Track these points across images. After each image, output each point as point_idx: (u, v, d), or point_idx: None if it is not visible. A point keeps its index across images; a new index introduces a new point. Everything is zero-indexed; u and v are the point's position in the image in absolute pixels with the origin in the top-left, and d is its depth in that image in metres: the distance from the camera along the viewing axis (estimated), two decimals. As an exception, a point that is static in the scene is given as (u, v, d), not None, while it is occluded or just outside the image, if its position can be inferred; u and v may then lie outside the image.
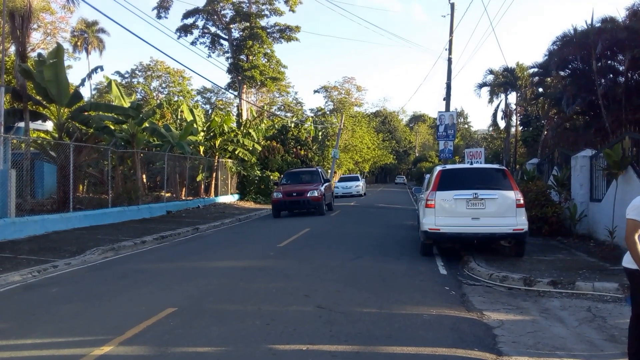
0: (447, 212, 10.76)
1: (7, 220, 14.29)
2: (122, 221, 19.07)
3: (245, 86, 48.84)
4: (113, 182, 21.25)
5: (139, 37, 48.33)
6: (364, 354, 5.42)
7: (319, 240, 14.53)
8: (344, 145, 57.53)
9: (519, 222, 10.39)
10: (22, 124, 19.17)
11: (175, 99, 52.29)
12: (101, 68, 20.51)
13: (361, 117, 73.07)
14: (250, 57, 47.46)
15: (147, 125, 24.49)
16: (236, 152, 31.52)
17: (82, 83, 20.73)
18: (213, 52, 51.00)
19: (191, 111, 31.23)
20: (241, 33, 48.70)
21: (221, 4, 47.64)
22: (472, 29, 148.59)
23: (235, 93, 51.61)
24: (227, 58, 50.16)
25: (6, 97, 18.74)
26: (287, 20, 62.59)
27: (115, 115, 20.98)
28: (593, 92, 20.31)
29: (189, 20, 49.04)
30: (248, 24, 47.50)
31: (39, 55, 20.37)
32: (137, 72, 71.00)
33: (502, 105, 43.70)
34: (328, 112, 73.78)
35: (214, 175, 30.86)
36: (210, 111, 60.91)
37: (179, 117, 33.56)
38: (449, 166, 12.56)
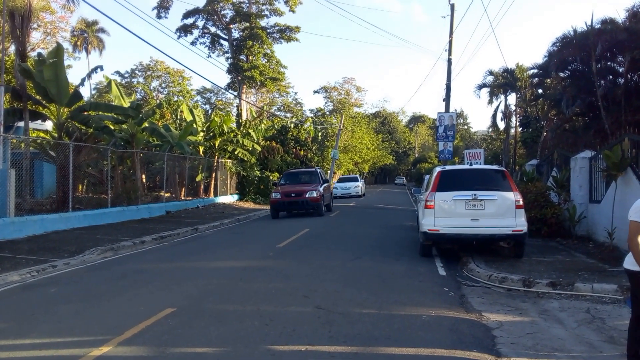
0: (446, 213, 10.76)
1: (7, 219, 14.28)
2: (121, 221, 19.06)
3: (245, 86, 48.85)
4: (112, 182, 21.24)
5: (139, 37, 48.31)
6: (363, 354, 5.42)
7: (318, 241, 14.53)
8: (343, 146, 57.50)
9: (518, 223, 10.39)
10: (21, 124, 19.16)
11: (175, 99, 52.27)
12: (101, 68, 20.52)
13: (361, 117, 73.00)
14: (250, 58, 47.47)
15: (146, 125, 24.50)
16: (236, 153, 31.52)
17: (82, 83, 20.78)
18: (213, 52, 51.07)
19: (191, 111, 31.24)
20: (241, 33, 48.72)
21: (221, 4, 47.66)
22: (472, 30, 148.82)
23: (235, 93, 51.63)
24: (227, 58, 50.20)
25: (6, 97, 18.72)
26: (287, 21, 62.77)
27: (114, 115, 20.98)
28: (593, 93, 20.33)
29: (189, 20, 49.10)
30: (248, 24, 47.53)
31: (39, 54, 20.38)
32: (136, 72, 71.06)
33: (502, 106, 43.76)
34: (328, 113, 73.75)
35: (214, 175, 30.85)
36: (210, 111, 60.93)
37: (178, 117, 33.57)
38: (448, 167, 12.57)
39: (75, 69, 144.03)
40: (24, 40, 18.75)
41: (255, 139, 34.34)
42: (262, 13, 48.64)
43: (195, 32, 49.82)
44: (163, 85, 72.24)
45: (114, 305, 7.62)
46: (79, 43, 58.00)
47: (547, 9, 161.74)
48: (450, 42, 29.10)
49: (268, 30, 48.70)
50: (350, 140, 60.80)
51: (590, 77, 20.25)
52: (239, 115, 42.35)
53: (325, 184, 24.34)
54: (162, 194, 25.30)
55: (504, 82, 41.44)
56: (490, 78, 42.93)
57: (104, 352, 5.52)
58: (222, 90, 63.08)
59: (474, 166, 14.94)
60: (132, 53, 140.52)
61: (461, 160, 33.01)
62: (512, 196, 10.57)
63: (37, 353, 5.61)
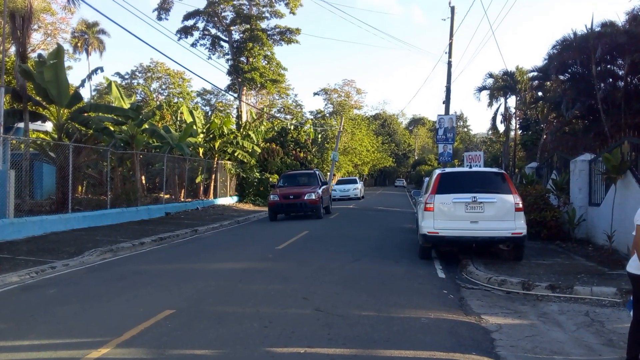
0: (446, 216, 10.76)
1: (6, 220, 14.28)
2: (120, 222, 19.06)
3: (245, 88, 48.85)
4: (112, 184, 21.24)
5: (139, 39, 48.44)
6: (362, 357, 5.42)
7: (318, 243, 14.52)
8: (343, 148, 57.53)
9: (518, 226, 10.39)
10: (21, 125, 19.17)
11: (175, 100, 52.30)
12: (101, 69, 20.55)
13: (361, 119, 73.05)
14: (251, 59, 47.48)
15: (146, 126, 24.51)
16: (235, 154, 31.51)
17: (82, 84, 20.76)
18: (213, 54, 51.04)
19: (191, 113, 31.24)
20: (241, 35, 48.75)
21: (222, 6, 47.68)
22: (472, 32, 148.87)
23: (235, 95, 51.66)
24: (227, 60, 50.19)
25: (6, 98, 18.73)
26: (287, 23, 62.94)
27: (114, 117, 20.99)
28: (592, 96, 20.34)
29: (190, 22, 49.11)
30: (248, 26, 47.56)
31: (39, 56, 20.41)
32: (137, 73, 71.03)
33: (502, 109, 43.71)
34: (328, 115, 73.77)
35: (213, 177, 30.85)
36: (210, 113, 60.83)
37: (178, 118, 33.57)
38: (448, 169, 12.55)
39: (76, 70, 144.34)
40: (24, 42, 18.77)
41: (255, 141, 34.33)
42: (263, 15, 48.68)
43: (196, 34, 49.87)
44: (163, 86, 72.26)
45: (112, 307, 7.62)
46: (79, 44, 58.04)
47: (549, 9, 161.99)
48: (450, 45, 29.14)
49: (268, 32, 48.73)
50: (350, 143, 60.85)
51: (590, 80, 20.27)
52: (239, 117, 42.37)
53: (324, 186, 24.10)
54: (161, 195, 25.29)
55: (503, 84, 41.40)
56: (490, 80, 42.91)
57: (102, 354, 5.52)
58: (222, 92, 63.09)
59: (474, 169, 14.95)
60: (133, 54, 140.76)
61: (461, 163, 33.04)
62: (512, 199, 10.57)
63: (36, 354, 5.61)
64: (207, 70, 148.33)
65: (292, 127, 42.51)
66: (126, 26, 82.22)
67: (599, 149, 14.35)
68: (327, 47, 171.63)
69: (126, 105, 23.58)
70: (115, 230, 16.77)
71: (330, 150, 49.07)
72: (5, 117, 16.76)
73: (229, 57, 50.01)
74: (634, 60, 18.56)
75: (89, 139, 20.33)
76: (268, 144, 37.78)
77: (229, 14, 48.62)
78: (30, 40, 21.88)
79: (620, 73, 21.04)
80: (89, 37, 58.56)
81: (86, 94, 62.77)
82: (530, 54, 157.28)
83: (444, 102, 29.36)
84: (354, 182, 43.56)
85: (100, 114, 20.63)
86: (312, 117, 69.65)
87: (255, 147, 33.46)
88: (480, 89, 43.16)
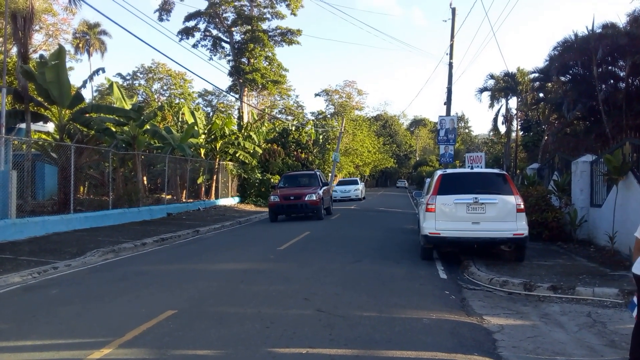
0: (447, 217, 10.76)
1: (8, 221, 14.30)
2: (122, 223, 19.08)
3: (246, 89, 48.92)
4: (114, 184, 21.26)
5: (141, 40, 48.57)
6: (363, 357, 5.42)
7: (319, 244, 14.53)
8: (344, 149, 57.55)
9: (519, 226, 10.39)
10: (23, 125, 19.20)
11: (177, 101, 52.38)
12: (103, 70, 20.62)
13: (362, 120, 73.12)
14: (252, 60, 47.55)
15: (148, 127, 24.54)
16: (237, 155, 31.53)
17: (84, 85, 20.76)
18: (214, 55, 51.14)
19: (192, 114, 31.29)
20: (243, 36, 48.84)
21: (223, 7, 47.77)
22: (473, 33, 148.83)
23: (237, 96, 51.72)
24: (229, 61, 50.29)
25: (8, 99, 18.78)
26: (288, 24, 62.93)
27: (116, 117, 21.02)
28: (594, 97, 20.34)
29: (191, 23, 49.21)
30: (249, 27, 47.64)
31: (41, 56, 20.44)
32: (138, 74, 71.10)
33: (503, 110, 43.76)
34: (329, 116, 73.76)
35: (215, 177, 30.87)
36: (211, 114, 60.89)
37: (180, 119, 33.63)
38: (449, 170, 12.57)
39: (77, 71, 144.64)
40: (26, 42, 18.80)
41: (257, 142, 34.37)
42: (264, 16, 48.77)
43: (197, 35, 50.00)
44: (165, 87, 72.36)
45: (114, 307, 7.63)
46: (80, 45, 58.10)
47: (550, 10, 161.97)
48: (451, 46, 29.13)
49: (269, 33, 48.81)
50: (352, 143, 60.87)
51: (591, 81, 20.26)
52: (240, 117, 42.30)
53: (324, 187, 23.95)
54: (163, 196, 25.33)
55: (505, 85, 41.42)
56: (491, 82, 42.96)
57: (104, 354, 5.53)
58: (224, 92, 63.15)
59: (475, 170, 14.94)
60: (134, 55, 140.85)
61: (462, 164, 33.03)
62: (513, 200, 10.56)
63: (38, 355, 5.62)
64: (209, 71, 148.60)
65: (293, 128, 42.55)
66: (127, 27, 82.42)
67: (601, 150, 14.34)
68: (328, 48, 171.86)
69: (128, 106, 23.62)
70: (117, 231, 16.78)
71: (332, 151, 49.13)
72: (7, 118, 16.80)
73: (230, 58, 50.10)
74: (635, 62, 18.55)
75: (90, 140, 20.35)
76: (269, 144, 37.81)
77: (230, 15, 48.75)
78: (31, 41, 21.94)
79: (621, 74, 21.02)
80: (90, 37, 58.62)
81: (88, 94, 62.72)
82: (531, 56, 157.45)
83: (445, 103, 29.33)
84: (355, 183, 43.38)
85: (101, 114, 20.65)
86: (313, 118, 69.65)
87: (257, 148, 33.49)
88: (482, 90, 43.22)
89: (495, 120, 44.79)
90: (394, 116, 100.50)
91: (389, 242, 14.99)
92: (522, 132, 42.17)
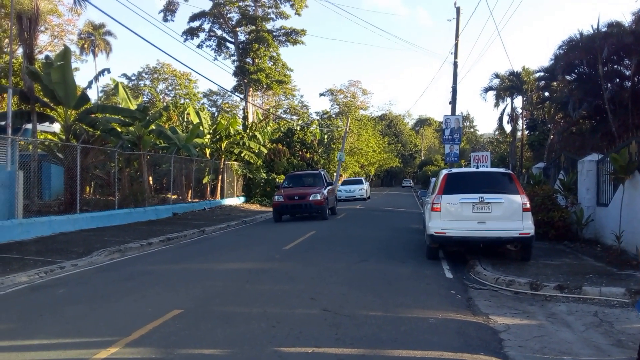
0: (453, 216, 10.74)
1: (15, 221, 14.37)
2: (128, 223, 19.14)
3: (251, 89, 48.93)
4: (119, 184, 21.33)
5: (146, 40, 48.78)
6: (369, 357, 5.41)
7: (324, 243, 14.53)
8: (349, 149, 57.54)
9: (525, 226, 10.35)
10: (29, 126, 19.28)
11: (182, 101, 52.46)
12: (108, 70, 20.65)
13: (367, 120, 73.10)
14: (256, 60, 47.56)
15: (153, 127, 24.60)
16: (242, 155, 31.56)
17: (89, 85, 20.90)
18: (219, 55, 51.14)
19: (197, 114, 31.34)
20: (247, 36, 48.83)
21: (227, 7, 47.79)
22: (478, 33, 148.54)
23: (241, 96, 51.71)
24: (233, 61, 50.28)
25: (14, 99, 18.84)
26: (293, 24, 63.00)
27: (122, 118, 21.08)
28: (599, 96, 20.29)
29: (196, 23, 49.22)
30: (254, 27, 47.63)
31: (47, 57, 20.51)
32: (143, 74, 71.36)
33: (508, 109, 43.62)
34: (334, 115, 73.89)
35: (220, 177, 30.91)
36: (216, 114, 61.05)
37: (185, 119, 33.68)
38: (455, 170, 12.52)
39: (83, 72, 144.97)
40: (31, 43, 18.87)
41: (262, 142, 34.39)
42: (268, 16, 48.73)
43: (202, 35, 49.98)
44: (170, 87, 72.56)
45: (121, 307, 7.65)
46: (86, 46, 58.35)
47: (555, 9, 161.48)
48: (456, 45, 29.07)
49: (274, 33, 48.78)
50: (357, 143, 60.86)
51: (596, 80, 20.21)
52: (245, 117, 42.43)
53: (329, 187, 23.78)
54: (169, 196, 25.38)
55: (510, 85, 41.31)
56: (496, 81, 42.84)
57: (111, 353, 5.54)
58: (229, 92, 63.22)
59: (481, 169, 14.95)
60: (139, 56, 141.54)
61: (468, 163, 32.99)
62: (519, 199, 10.53)
63: (45, 354, 5.64)
64: (213, 72, 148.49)
65: (298, 128, 42.55)
66: (132, 28, 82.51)
67: (607, 149, 14.29)
68: (333, 48, 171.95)
69: (133, 107, 23.68)
70: (123, 231, 16.83)
71: (337, 151, 49.10)
72: (13, 119, 16.85)
73: (234, 58, 50.11)
74: (641, 60, 18.50)
75: (96, 140, 20.42)
76: (274, 144, 37.83)
77: (235, 15, 48.74)
78: (37, 41, 21.97)
79: (627, 73, 20.98)
80: (95, 38, 58.86)
81: (93, 95, 62.96)
82: (536, 55, 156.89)
83: (450, 103, 29.28)
84: (360, 182, 43.28)
85: (107, 115, 20.73)
86: (318, 117, 69.83)
87: (262, 148, 33.52)
88: (487, 90, 43.12)
89: (500, 119, 44.69)
90: (399, 116, 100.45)
91: (394, 241, 14.97)
92: (527, 131, 42.04)
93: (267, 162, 35.73)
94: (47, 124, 22.01)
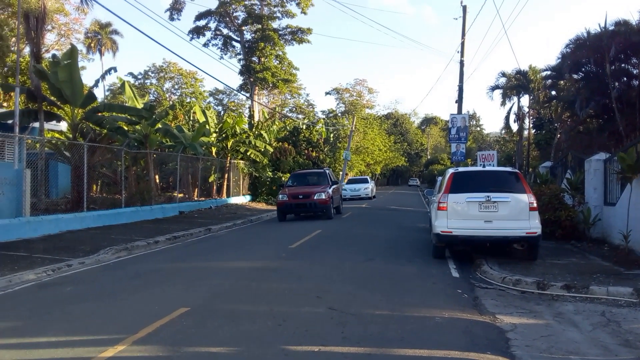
0: (459, 215, 10.71)
1: (22, 219, 14.44)
2: (135, 221, 19.20)
3: (257, 88, 49.02)
4: (126, 183, 21.39)
5: (152, 39, 48.86)
6: (376, 356, 5.41)
7: (330, 242, 14.53)
8: (355, 147, 57.50)
9: (532, 225, 10.32)
10: (36, 124, 19.35)
11: (188, 100, 52.54)
12: (114, 69, 20.73)
13: (373, 119, 73.01)
14: (262, 59, 47.64)
15: (160, 126, 24.64)
16: (248, 154, 31.61)
17: (96, 84, 20.91)
18: (225, 54, 51.28)
19: (203, 112, 31.39)
20: (253, 35, 48.93)
21: (233, 6, 47.88)
22: (485, 31, 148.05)
23: (247, 95, 51.80)
24: (239, 60, 50.41)
25: (21, 98, 18.91)
26: (298, 22, 63.04)
27: (128, 116, 21.13)
28: (607, 95, 20.20)
29: (202, 22, 49.39)
30: (260, 26, 47.72)
31: (53, 56, 20.57)
32: (150, 73, 71.51)
33: (515, 108, 43.46)
34: (339, 114, 73.78)
35: (226, 176, 30.97)
36: (222, 112, 61.14)
37: (191, 118, 33.75)
38: (461, 169, 12.49)
39: (89, 71, 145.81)
40: (38, 42, 18.95)
41: (268, 140, 34.44)
42: (274, 15, 48.84)
43: (208, 34, 50.18)
44: (176, 86, 72.70)
45: (128, 305, 7.68)
46: (92, 45, 58.53)
47: (562, 8, 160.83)
48: (462, 44, 29.03)
49: (280, 32, 48.86)
50: (362, 142, 60.80)
51: (604, 79, 20.12)
52: (251, 116, 42.45)
53: (334, 186, 23.43)
54: (175, 194, 25.45)
55: (516, 83, 41.18)
56: (503, 80, 42.70)
57: (118, 351, 5.57)
58: (235, 91, 63.39)
59: (487, 168, 14.87)
60: (146, 55, 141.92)
61: (474, 162, 32.92)
62: (526, 198, 10.49)
63: (53, 351, 5.67)
64: (219, 70, 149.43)
65: (304, 127, 42.56)
66: (139, 26, 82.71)
67: (614, 148, 14.22)
68: (339, 47, 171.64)
69: (139, 105, 23.73)
70: (129, 229, 16.89)
71: (343, 150, 49.09)
72: (20, 117, 16.92)
73: (240, 57, 50.24)
74: (649, 59, 18.41)
75: (103, 139, 20.48)
76: (280, 143, 37.87)
77: (241, 14, 48.87)
78: (44, 40, 22.06)
79: (634, 72, 20.88)
80: (102, 37, 59.03)
81: (100, 94, 63.19)
82: (543, 53, 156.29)
83: (456, 101, 29.26)
84: (365, 181, 43.12)
85: (114, 113, 20.80)
86: (324, 116, 69.73)
87: (268, 147, 33.56)
88: (493, 88, 43.00)
89: (507, 118, 44.56)
90: (405, 114, 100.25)
91: (400, 240, 14.96)
92: (534, 130, 41.90)
93: (273, 160, 35.77)
94: (54, 122, 22.09)
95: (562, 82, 29.32)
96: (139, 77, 70.92)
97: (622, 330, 6.44)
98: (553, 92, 33.84)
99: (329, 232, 16.95)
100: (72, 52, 18.66)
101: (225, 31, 50.60)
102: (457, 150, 27.82)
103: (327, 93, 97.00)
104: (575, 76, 23.93)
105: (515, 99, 43.18)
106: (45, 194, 18.58)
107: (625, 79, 21.38)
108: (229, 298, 8.04)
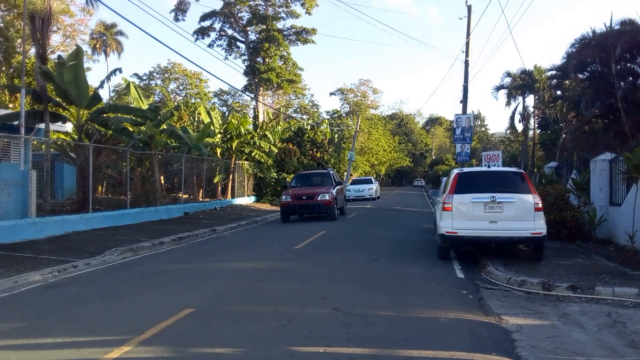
0: (464, 216, 10.70)
1: (28, 220, 14.50)
2: (140, 222, 19.25)
3: (261, 88, 49.05)
4: (131, 184, 21.44)
5: (157, 40, 48.95)
6: (381, 356, 5.41)
7: (335, 243, 14.53)
8: (360, 148, 57.49)
9: (538, 226, 10.29)
10: (42, 126, 19.44)
11: (193, 101, 52.68)
12: (120, 70, 20.79)
13: (377, 119, 73.00)
14: (267, 60, 47.67)
15: (164, 127, 24.71)
16: (253, 154, 31.64)
17: (101, 85, 21.00)
18: (230, 55, 51.32)
19: (208, 113, 31.44)
20: (258, 35, 48.97)
21: (238, 7, 47.94)
22: (489, 31, 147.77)
23: (252, 95, 51.87)
24: (244, 60, 50.44)
25: (27, 99, 19.03)
26: (303, 23, 63.14)
27: (133, 117, 21.20)
28: (612, 95, 20.13)
29: (206, 23, 49.43)
30: (264, 26, 47.75)
31: (59, 57, 20.71)
32: (155, 74, 71.64)
33: (520, 108, 43.36)
34: (344, 115, 73.83)
35: (231, 177, 31.01)
36: (227, 113, 61.22)
37: (196, 119, 33.82)
38: (466, 169, 12.47)
39: (95, 72, 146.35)
40: (44, 43, 19.02)
41: (272, 141, 34.44)
42: (279, 15, 48.85)
43: (213, 35, 50.20)
44: (181, 87, 72.83)
45: (134, 305, 7.71)
46: (97, 46, 58.71)
47: (568, 7, 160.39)
48: (467, 44, 29.00)
49: (284, 33, 48.87)
50: (367, 142, 60.81)
51: (609, 78, 20.04)
52: (255, 117, 42.51)
53: (338, 186, 23.27)
54: (180, 195, 25.50)
55: (522, 83, 41.07)
56: (508, 79, 42.58)
57: (124, 352, 5.58)
58: (239, 92, 63.40)
59: (492, 168, 14.85)
60: (150, 55, 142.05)
61: (479, 163, 32.85)
62: (531, 199, 10.47)
63: (59, 352, 5.69)
64: (224, 71, 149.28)
65: (308, 127, 42.55)
66: (144, 27, 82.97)
67: (620, 148, 14.18)
68: (343, 47, 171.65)
69: (144, 106, 23.79)
70: (135, 230, 16.94)
71: (347, 150, 49.09)
72: (26, 118, 17.01)
73: (245, 57, 50.28)
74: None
75: (108, 140, 20.54)
76: (285, 144, 37.87)
77: (245, 15, 48.90)
78: (49, 41, 22.19)
79: (640, 71, 20.79)
80: (107, 38, 59.21)
81: (105, 94, 63.40)
82: (548, 53, 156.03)
83: (461, 102, 29.23)
84: (369, 182, 42.98)
85: (119, 114, 20.85)
86: (328, 117, 69.78)
87: (272, 147, 33.56)
88: (498, 88, 42.88)
89: (512, 118, 44.41)
90: (410, 115, 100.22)
91: (405, 241, 14.95)
92: (539, 130, 41.81)
93: (277, 161, 35.78)
94: (59, 123, 22.20)
95: (567, 81, 29.22)
96: (144, 78, 71.11)
97: (628, 331, 6.42)
98: (558, 92, 33.74)
99: (333, 233, 16.95)
100: (78, 53, 18.74)
101: (229, 32, 50.68)
102: (462, 150, 27.78)
103: (331, 93, 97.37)
104: (580, 76, 23.84)
105: (520, 98, 43.08)
106: (51, 195, 18.66)
107: (631, 78, 21.28)
108: (234, 299, 8.05)
